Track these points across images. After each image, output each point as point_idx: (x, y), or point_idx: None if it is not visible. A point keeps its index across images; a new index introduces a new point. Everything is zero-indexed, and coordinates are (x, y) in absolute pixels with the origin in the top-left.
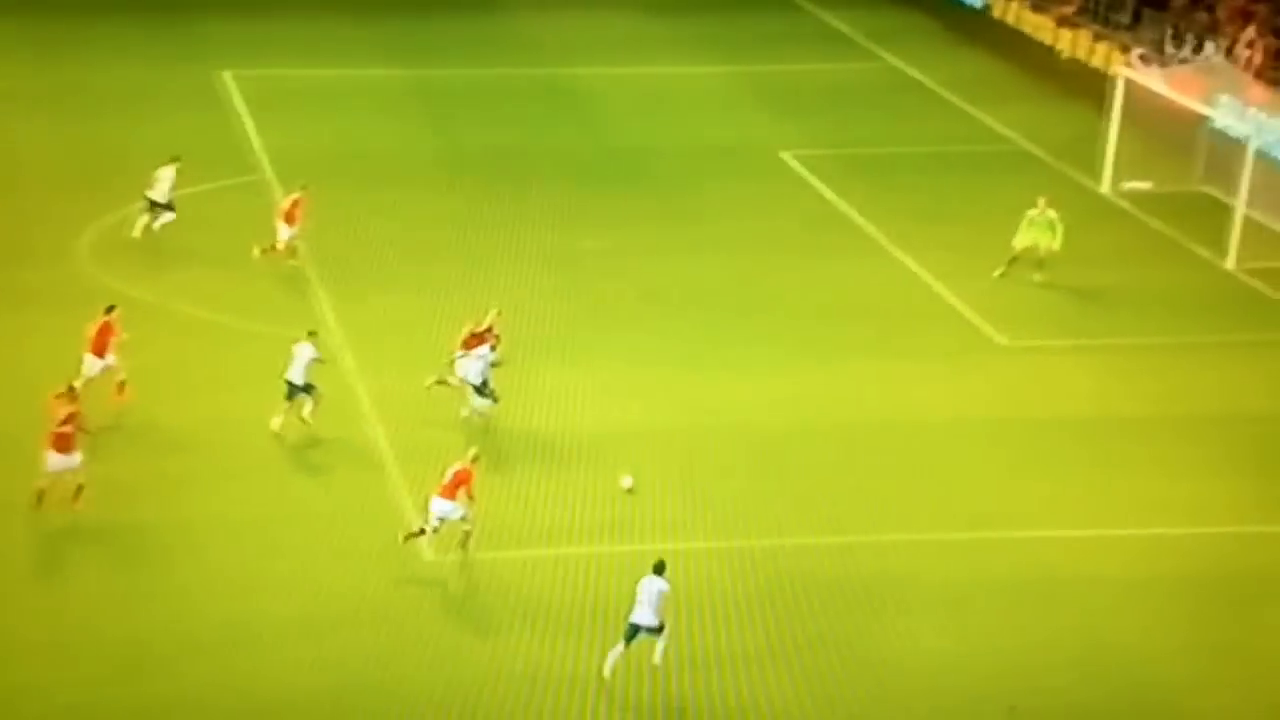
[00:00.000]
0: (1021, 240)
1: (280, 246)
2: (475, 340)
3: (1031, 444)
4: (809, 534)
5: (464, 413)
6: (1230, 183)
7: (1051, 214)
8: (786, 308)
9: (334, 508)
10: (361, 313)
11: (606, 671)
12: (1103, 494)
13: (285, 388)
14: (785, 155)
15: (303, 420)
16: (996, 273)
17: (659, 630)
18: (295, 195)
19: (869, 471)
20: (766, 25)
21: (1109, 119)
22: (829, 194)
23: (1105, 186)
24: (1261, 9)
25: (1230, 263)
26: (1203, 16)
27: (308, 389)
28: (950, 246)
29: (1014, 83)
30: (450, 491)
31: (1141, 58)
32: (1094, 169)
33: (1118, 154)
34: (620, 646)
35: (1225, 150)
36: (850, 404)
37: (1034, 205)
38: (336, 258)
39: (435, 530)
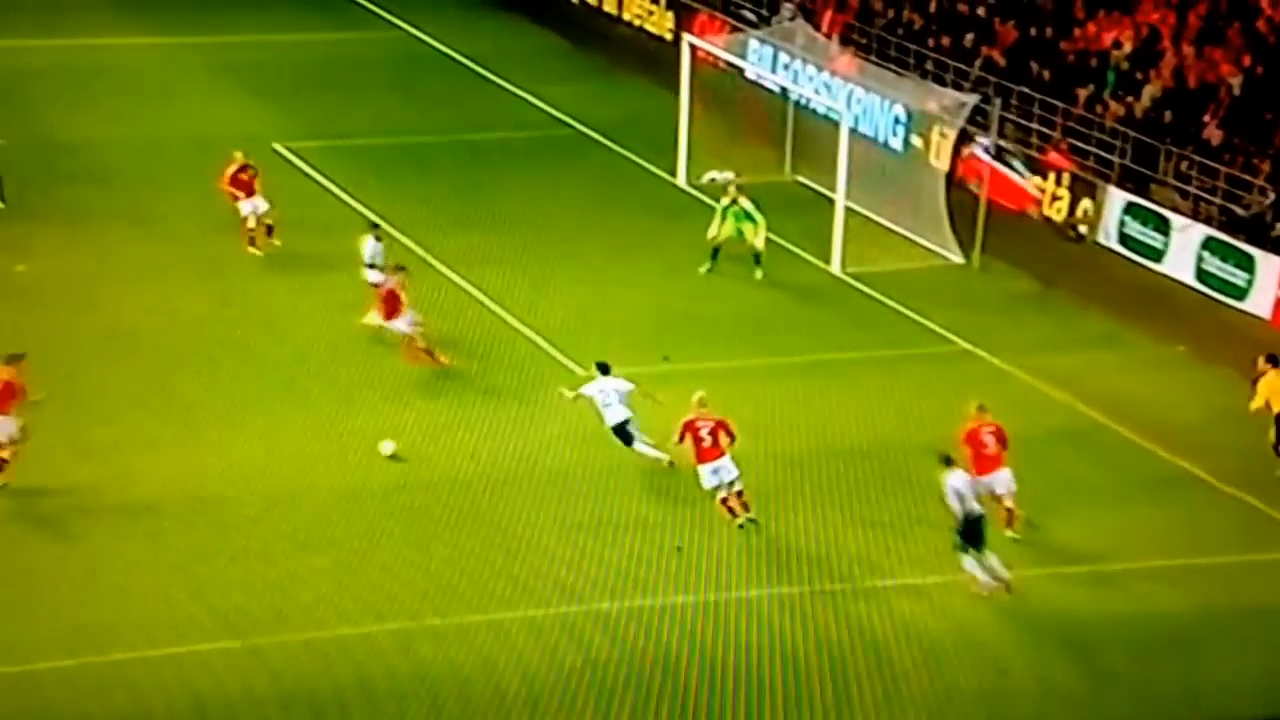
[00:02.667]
0: (720, 230)
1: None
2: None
3: (605, 495)
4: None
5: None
6: (823, 169)
7: (746, 203)
8: (307, 348)
9: None
10: None
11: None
12: (725, 555)
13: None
14: (280, 148)
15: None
16: (703, 269)
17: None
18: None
19: (441, 545)
20: None
21: (680, 97)
22: (344, 196)
23: (683, 178)
24: None
25: (835, 266)
26: None
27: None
28: (503, 258)
29: (564, 56)
30: (718, 451)
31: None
32: (668, 157)
33: (693, 138)
34: (640, 445)
35: (813, 131)
36: (408, 462)
37: (724, 195)
38: None
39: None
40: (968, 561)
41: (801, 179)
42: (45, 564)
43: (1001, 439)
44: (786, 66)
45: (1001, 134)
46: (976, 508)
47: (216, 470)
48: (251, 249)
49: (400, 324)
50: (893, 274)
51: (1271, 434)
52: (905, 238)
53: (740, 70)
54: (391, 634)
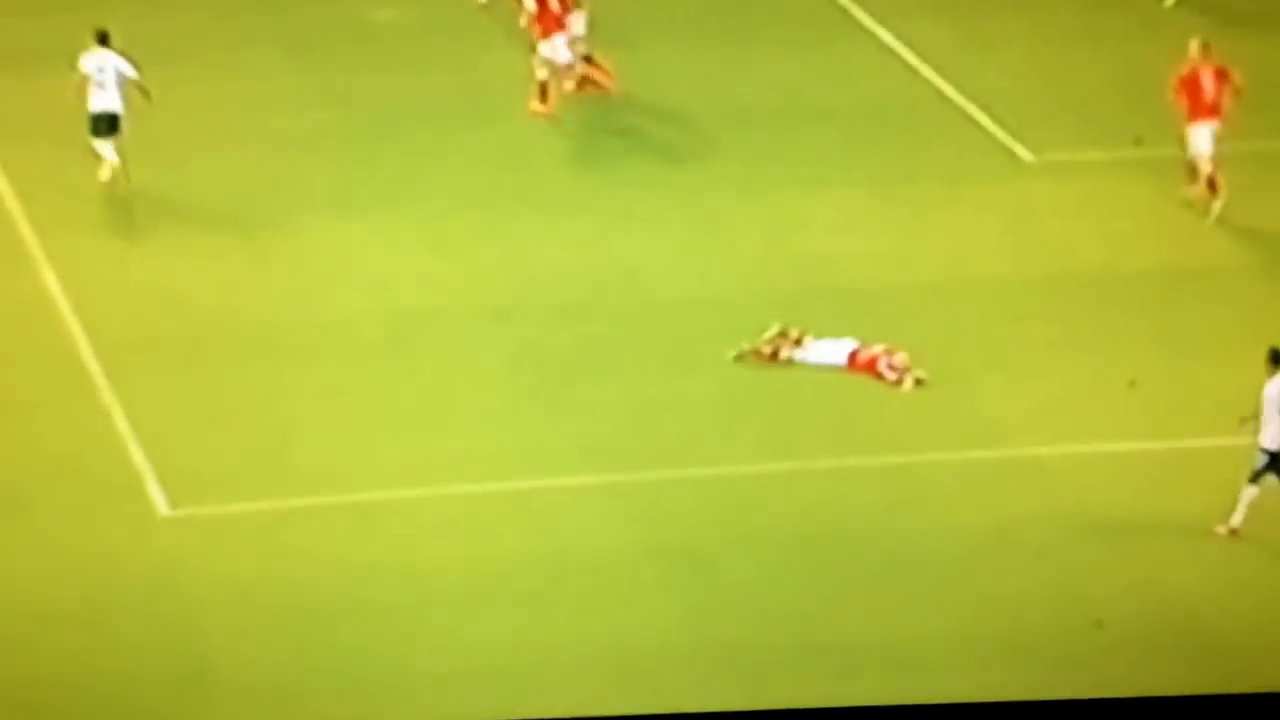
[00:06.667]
0: None
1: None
2: None
3: (1056, 316)
4: (733, 461)
5: None
6: None
7: None
8: (704, 114)
9: None
10: None
11: None
12: (1161, 392)
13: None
14: None
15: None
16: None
17: None
18: None
19: (819, 387)
20: None
21: None
22: None
23: None
24: None
25: None
26: None
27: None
28: (935, 4)
29: None
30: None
31: None
32: None
33: None
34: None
35: None
36: (788, 260)
37: None
38: None
39: None
40: (1249, 491)
41: None
42: None
43: (1222, 84)
44: None
45: None
46: None
47: None
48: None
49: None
50: None
51: None
52: None
53: None
54: None
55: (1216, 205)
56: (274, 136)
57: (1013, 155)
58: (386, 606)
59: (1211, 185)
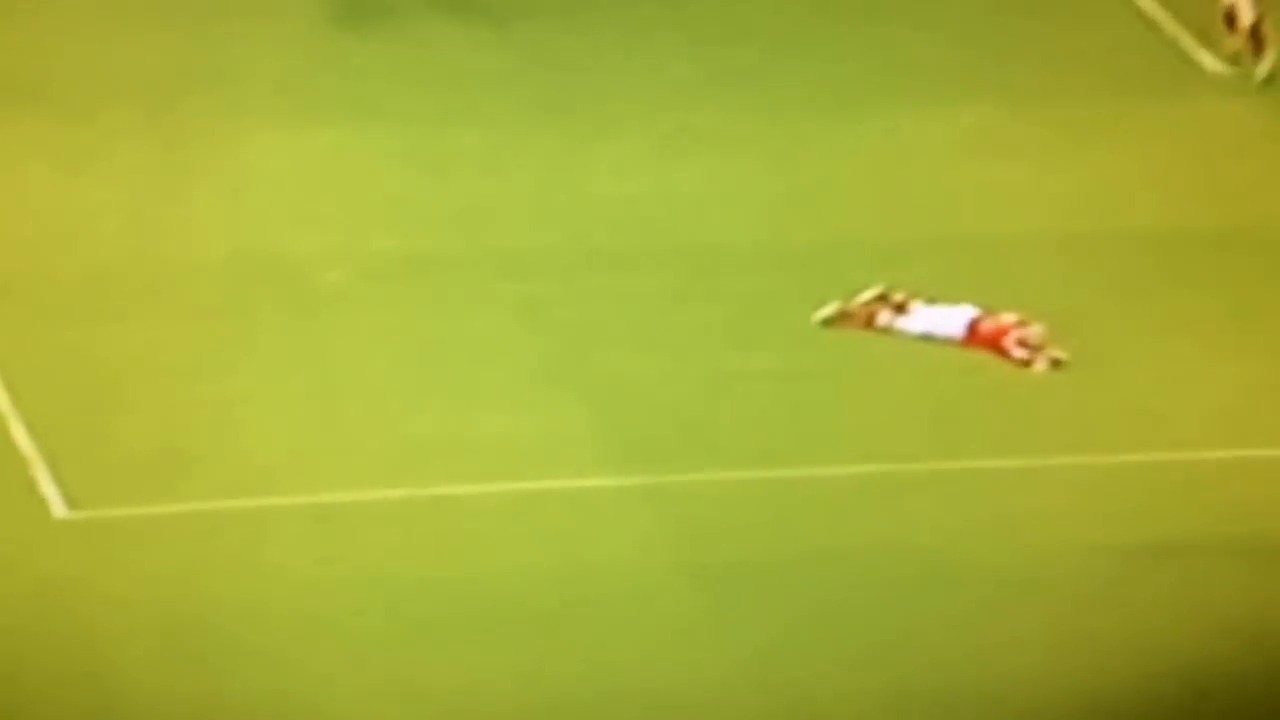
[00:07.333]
0: None
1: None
2: None
3: (1240, 280)
4: (804, 461)
5: None
6: None
7: None
8: (782, 3)
9: None
10: None
11: None
12: None
13: None
14: None
15: None
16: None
17: None
18: None
19: (924, 366)
20: None
21: None
22: None
23: None
24: None
25: None
26: None
27: None
28: None
29: None
30: None
31: None
32: None
33: None
34: None
35: None
36: (891, 199)
37: None
38: None
39: None
40: None
41: None
42: None
43: None
44: None
45: None
46: None
47: None
48: None
49: None
50: None
51: None
52: None
53: None
54: None
55: (1264, 63)
56: (206, 9)
57: (1194, 65)
58: (349, 637)
59: (1256, 37)
